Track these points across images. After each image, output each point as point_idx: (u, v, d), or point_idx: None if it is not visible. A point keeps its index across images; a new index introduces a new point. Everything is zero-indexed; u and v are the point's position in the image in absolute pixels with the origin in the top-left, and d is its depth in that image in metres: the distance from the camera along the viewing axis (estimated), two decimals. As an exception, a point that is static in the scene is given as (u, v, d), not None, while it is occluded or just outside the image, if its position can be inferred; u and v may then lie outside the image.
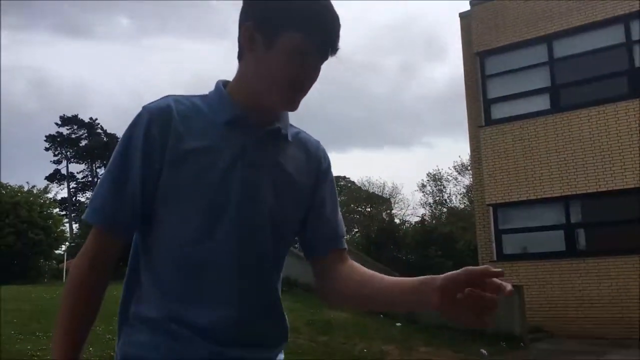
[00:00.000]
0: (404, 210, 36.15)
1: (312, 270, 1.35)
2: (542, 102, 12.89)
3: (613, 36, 12.27)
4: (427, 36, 61.60)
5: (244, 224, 1.18)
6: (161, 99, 1.22)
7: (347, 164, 62.41)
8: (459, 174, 34.43)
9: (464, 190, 33.82)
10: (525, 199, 12.80)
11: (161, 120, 1.16)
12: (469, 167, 26.57)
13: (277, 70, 1.17)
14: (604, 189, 11.88)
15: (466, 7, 14.41)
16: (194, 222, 1.15)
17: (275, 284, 1.27)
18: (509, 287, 1.02)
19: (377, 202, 36.06)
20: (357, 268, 1.30)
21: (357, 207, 36.72)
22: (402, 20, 64.03)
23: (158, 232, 1.18)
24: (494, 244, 13.15)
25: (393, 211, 35.91)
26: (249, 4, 1.22)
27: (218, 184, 1.16)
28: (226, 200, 1.16)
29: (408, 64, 61.13)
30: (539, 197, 12.64)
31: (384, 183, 38.14)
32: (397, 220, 33.50)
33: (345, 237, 1.39)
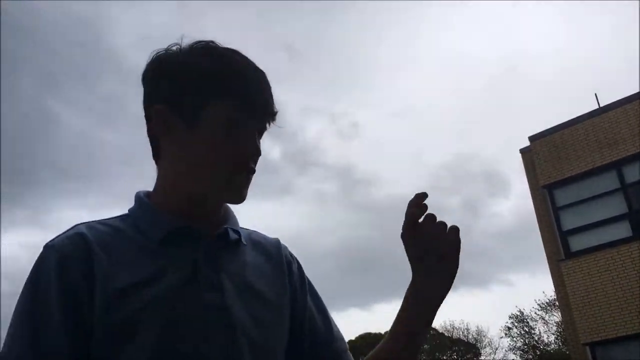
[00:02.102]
0: (492, 355, 33.89)
1: None
2: (623, 229, 12.34)
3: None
4: (485, 173, 61.94)
5: None
6: (68, 230, 0.92)
7: (426, 310, 59.92)
8: (546, 312, 32.44)
9: (555, 329, 31.60)
10: (624, 334, 11.76)
11: (77, 257, 0.86)
12: (556, 304, 25.07)
13: (212, 149, 0.92)
14: None
15: (524, 142, 14.54)
16: None
17: None
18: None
19: (463, 348, 34.09)
20: None
21: (442, 356, 34.73)
22: (455, 159, 65.29)
23: None
24: (598, 389, 11.94)
25: (481, 358, 33.76)
26: (153, 84, 0.97)
27: (172, 323, 0.85)
28: (189, 342, 0.86)
29: (471, 202, 60.88)
30: (639, 331, 11.61)
31: (467, 327, 36.30)
32: (486, 368, 31.31)
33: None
